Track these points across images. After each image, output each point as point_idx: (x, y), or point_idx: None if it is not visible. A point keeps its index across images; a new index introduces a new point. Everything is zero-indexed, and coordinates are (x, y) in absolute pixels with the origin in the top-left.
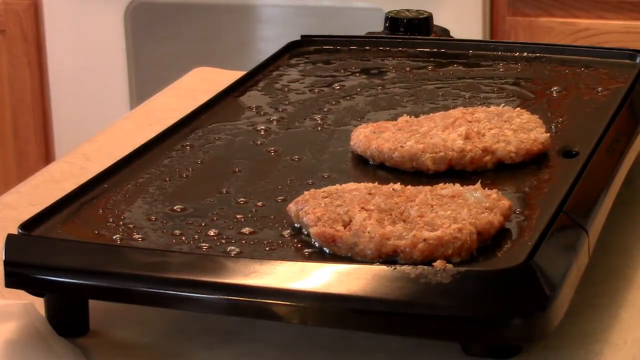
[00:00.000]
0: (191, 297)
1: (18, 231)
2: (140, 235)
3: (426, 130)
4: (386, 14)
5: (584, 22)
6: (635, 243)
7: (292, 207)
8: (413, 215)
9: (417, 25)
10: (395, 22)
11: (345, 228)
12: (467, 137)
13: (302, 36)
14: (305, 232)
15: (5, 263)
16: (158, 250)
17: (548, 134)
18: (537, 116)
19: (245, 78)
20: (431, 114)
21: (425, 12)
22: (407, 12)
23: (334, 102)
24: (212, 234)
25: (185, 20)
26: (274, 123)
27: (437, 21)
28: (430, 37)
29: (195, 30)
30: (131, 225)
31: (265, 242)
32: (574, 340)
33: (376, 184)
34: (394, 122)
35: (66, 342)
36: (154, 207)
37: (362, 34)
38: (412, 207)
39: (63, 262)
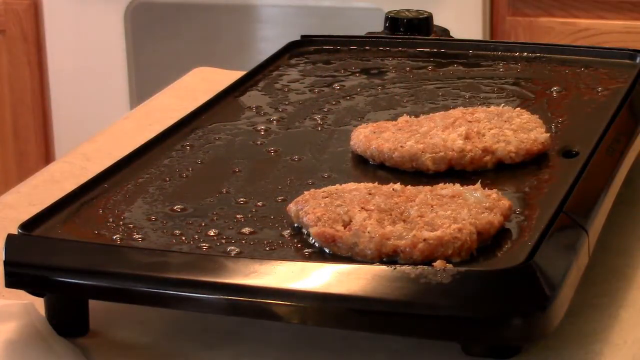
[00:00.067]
0: (191, 297)
1: (18, 231)
2: (140, 235)
3: (426, 130)
4: (386, 14)
5: (584, 22)
6: (635, 243)
7: (292, 207)
8: (413, 215)
9: (417, 25)
10: (395, 22)
11: (345, 228)
12: (467, 137)
13: (302, 36)
14: (305, 232)
15: (5, 263)
16: (158, 250)
17: (548, 134)
18: (537, 116)
19: (245, 78)
20: (431, 114)
21: (425, 12)
22: (407, 12)
23: (334, 102)
24: (212, 234)
25: (185, 20)
26: (274, 123)
27: (437, 21)
28: (430, 37)
29: (195, 30)
30: (131, 225)
31: (265, 242)
32: (574, 340)
33: (376, 184)
34: (394, 122)
35: (66, 342)
36: (154, 207)
37: (362, 34)
38: (412, 207)
39: (63, 262)
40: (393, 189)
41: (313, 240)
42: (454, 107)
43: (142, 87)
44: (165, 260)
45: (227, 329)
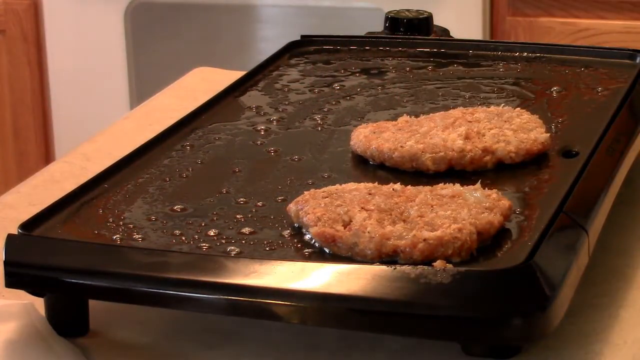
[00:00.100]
0: (191, 297)
1: (18, 231)
2: (140, 235)
3: (426, 130)
4: (386, 14)
5: (584, 22)
6: (635, 243)
7: (292, 207)
8: (413, 215)
9: (417, 25)
10: (395, 22)
11: (345, 228)
12: (467, 137)
13: (302, 36)
14: (305, 232)
15: (5, 263)
16: (158, 250)
17: (548, 134)
18: (537, 116)
19: (245, 78)
20: (431, 114)
21: (425, 12)
22: (407, 12)
23: (334, 102)
24: (212, 234)
25: (185, 20)
26: (274, 123)
27: (437, 21)
28: (430, 37)
29: (195, 30)
30: (131, 225)
31: (265, 242)
32: (574, 340)
33: (376, 184)
34: (394, 122)
35: (66, 342)
36: (154, 207)
37: (362, 34)
38: (412, 207)
39: (63, 262)
40: (393, 189)
41: (313, 240)
42: (454, 107)
43: (142, 87)
44: (165, 260)
45: (227, 329)
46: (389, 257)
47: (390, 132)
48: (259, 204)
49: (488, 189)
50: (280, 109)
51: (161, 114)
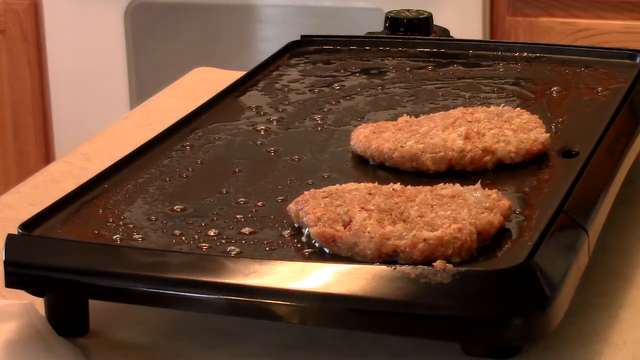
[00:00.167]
0: (191, 297)
1: (18, 231)
2: (140, 235)
3: (426, 130)
4: (386, 14)
5: (584, 22)
6: (635, 243)
7: (292, 207)
8: (413, 215)
9: (417, 25)
10: (395, 22)
11: (345, 228)
12: (467, 137)
13: (302, 36)
14: (305, 232)
15: (5, 263)
16: (158, 250)
17: (548, 134)
18: (537, 116)
19: (245, 78)
20: (431, 114)
21: (425, 12)
22: (407, 12)
23: (334, 102)
24: (212, 234)
25: (185, 20)
26: (274, 123)
27: (437, 21)
28: (430, 37)
29: (195, 30)
30: (131, 225)
31: (265, 242)
32: (574, 340)
33: (376, 184)
34: (394, 122)
35: (66, 342)
36: (154, 207)
37: (362, 34)
38: (412, 207)
39: (63, 262)
40: (393, 189)
41: (313, 240)
42: (454, 107)
43: (142, 87)
44: (165, 260)
45: (227, 329)
46: (389, 257)
47: (390, 132)
48: (259, 204)
49: (488, 189)
50: (280, 109)
51: (161, 114)
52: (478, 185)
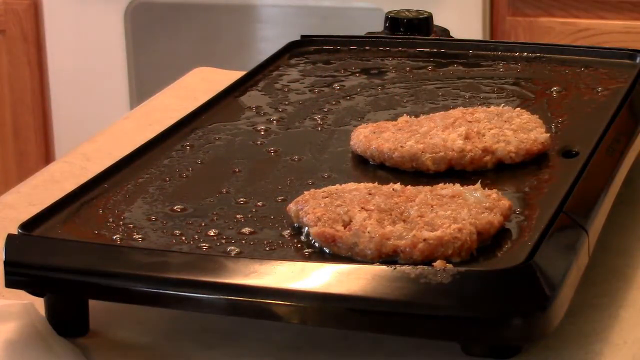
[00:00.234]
0: (191, 297)
1: (18, 231)
2: (140, 235)
3: (426, 130)
4: (386, 14)
5: (584, 22)
6: (635, 243)
7: (292, 207)
8: (413, 215)
9: (417, 25)
10: (395, 22)
11: (345, 228)
12: (467, 137)
13: (302, 36)
14: (305, 232)
15: (5, 263)
16: (158, 250)
17: (548, 134)
18: (537, 116)
19: (245, 78)
20: (431, 114)
21: (425, 12)
22: (407, 12)
23: (334, 102)
24: (212, 234)
25: (185, 20)
26: (274, 123)
27: (437, 21)
28: (430, 37)
29: (195, 30)
30: (131, 225)
31: (265, 242)
32: (574, 340)
33: (376, 184)
34: (394, 122)
35: (66, 342)
36: (154, 207)
37: (362, 34)
38: (412, 207)
39: (63, 262)
40: (393, 189)
41: (313, 240)
42: (454, 107)
43: (142, 87)
44: (165, 260)
45: (227, 329)
46: (389, 257)
47: (390, 132)
48: (259, 204)
49: (488, 189)
50: (280, 109)
51: (161, 114)
52: (478, 185)
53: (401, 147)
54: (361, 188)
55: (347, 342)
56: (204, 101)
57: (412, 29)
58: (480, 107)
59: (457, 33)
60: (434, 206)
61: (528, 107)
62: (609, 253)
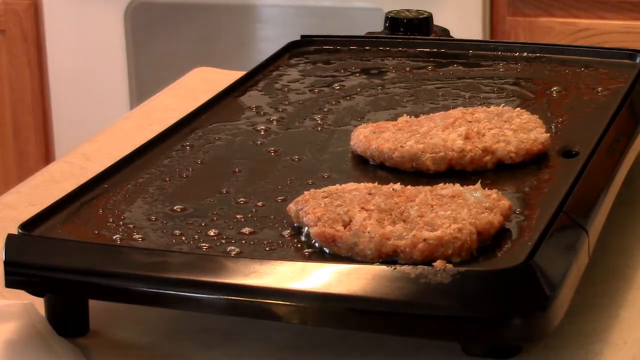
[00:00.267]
0: (191, 297)
1: (18, 231)
2: (140, 235)
3: (426, 130)
4: (386, 14)
5: (584, 22)
6: (635, 243)
7: (292, 207)
8: (413, 215)
9: (417, 25)
10: (395, 22)
11: (345, 228)
12: (467, 137)
13: (302, 36)
14: (305, 232)
15: (5, 263)
16: (158, 250)
17: (548, 134)
18: (537, 116)
19: (245, 78)
20: (431, 114)
21: (425, 12)
22: (407, 12)
23: (334, 102)
24: (212, 234)
25: (185, 20)
26: (274, 123)
27: (437, 21)
28: (430, 37)
29: (195, 30)
30: (131, 225)
31: (265, 242)
32: (574, 340)
33: (376, 184)
34: (394, 122)
35: (66, 342)
36: (154, 207)
37: (362, 34)
38: (412, 207)
39: (63, 262)
40: (393, 189)
41: (313, 240)
42: (454, 107)
43: (142, 87)
44: (165, 260)
45: (227, 329)
46: (389, 257)
47: (390, 132)
48: (259, 204)
49: (488, 189)
50: (280, 109)
51: (161, 114)
52: (478, 185)
53: (401, 147)
54: (361, 188)
55: (347, 342)
56: (204, 101)
57: (412, 29)
58: (480, 107)
59: (457, 33)
60: (434, 206)
61: (528, 107)
62: (609, 253)
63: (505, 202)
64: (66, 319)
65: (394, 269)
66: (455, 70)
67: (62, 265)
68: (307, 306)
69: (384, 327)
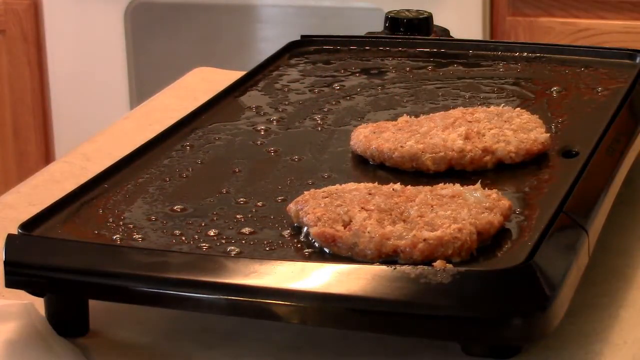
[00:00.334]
0: (191, 297)
1: (18, 231)
2: (140, 235)
3: (426, 130)
4: (386, 14)
5: (584, 22)
6: (635, 243)
7: (292, 207)
8: (413, 215)
9: (417, 25)
10: (395, 22)
11: (345, 228)
12: (467, 137)
13: (302, 36)
14: (305, 232)
15: (5, 263)
16: (158, 250)
17: (548, 134)
18: (537, 116)
19: (245, 78)
20: (431, 114)
21: (425, 12)
22: (407, 12)
23: (334, 102)
24: (212, 234)
25: (185, 20)
26: (274, 123)
27: (437, 21)
28: (430, 37)
29: (195, 30)
30: (131, 225)
31: (265, 242)
32: (574, 340)
33: (376, 184)
34: (394, 122)
35: (66, 342)
36: (154, 207)
37: (362, 34)
38: (412, 207)
39: (63, 262)
40: (393, 189)
41: (313, 240)
42: (454, 107)
43: (142, 87)
44: (165, 260)
45: (227, 329)
46: (389, 257)
47: (390, 132)
48: (259, 204)
49: (488, 189)
50: (280, 109)
51: (161, 114)
52: (478, 185)
53: (401, 147)
54: (361, 188)
55: (347, 342)
56: (204, 101)
57: (412, 29)
58: (480, 107)
59: (457, 33)
60: (434, 206)
61: (528, 107)
62: (609, 253)
63: (505, 202)
64: (66, 319)
65: (394, 269)
66: (455, 70)
67: (62, 265)
68: (307, 306)
69: (384, 327)
